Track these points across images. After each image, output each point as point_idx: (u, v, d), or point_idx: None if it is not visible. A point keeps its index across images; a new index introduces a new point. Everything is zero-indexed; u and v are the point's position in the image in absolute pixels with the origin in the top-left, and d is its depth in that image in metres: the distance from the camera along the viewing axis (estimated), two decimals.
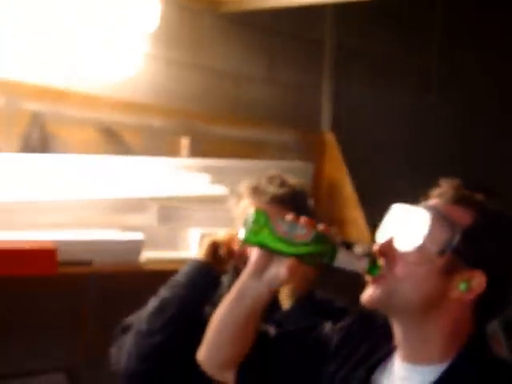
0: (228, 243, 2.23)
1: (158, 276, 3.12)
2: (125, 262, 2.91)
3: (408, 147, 4.77)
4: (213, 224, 3.18)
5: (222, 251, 2.24)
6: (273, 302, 2.17)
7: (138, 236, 2.92)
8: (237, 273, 2.23)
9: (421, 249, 1.52)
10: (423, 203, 1.60)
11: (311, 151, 4.12)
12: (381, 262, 1.56)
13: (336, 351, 1.71)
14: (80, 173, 3.01)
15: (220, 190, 3.24)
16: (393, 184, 4.64)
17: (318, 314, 2.13)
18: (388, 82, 4.64)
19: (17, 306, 3.08)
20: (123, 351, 2.19)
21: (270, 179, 2.24)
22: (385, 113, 4.64)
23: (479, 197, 1.58)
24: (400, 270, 1.54)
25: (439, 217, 1.53)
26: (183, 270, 2.24)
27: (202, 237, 2.33)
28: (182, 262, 3.02)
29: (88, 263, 2.82)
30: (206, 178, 3.34)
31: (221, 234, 2.29)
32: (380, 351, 1.66)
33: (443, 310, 1.55)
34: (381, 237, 1.60)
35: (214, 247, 2.24)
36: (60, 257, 2.69)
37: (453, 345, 1.56)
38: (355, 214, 3.92)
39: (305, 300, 2.21)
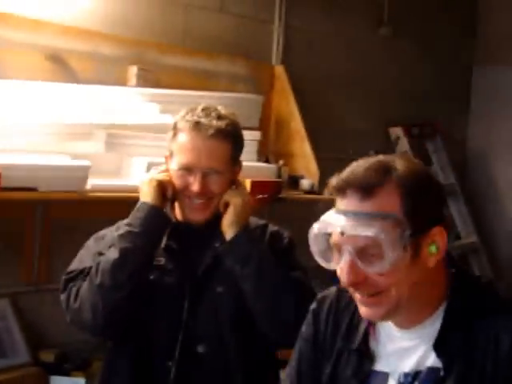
0: (173, 184, 2.21)
1: (102, 204, 3.14)
2: (70, 188, 2.89)
3: (359, 81, 4.78)
4: (159, 153, 3.16)
5: (169, 192, 2.22)
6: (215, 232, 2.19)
7: (84, 163, 2.89)
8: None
9: (394, 259, 1.51)
10: (337, 213, 1.55)
11: (261, 84, 4.11)
12: (357, 293, 1.56)
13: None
14: (27, 98, 2.97)
15: (168, 119, 3.22)
16: (343, 118, 4.67)
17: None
18: (341, 16, 4.63)
19: None
20: (84, 305, 2.15)
21: (206, 111, 2.20)
22: (337, 46, 4.64)
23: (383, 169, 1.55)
24: (386, 282, 1.53)
25: (380, 219, 1.51)
26: (136, 216, 2.18)
27: (146, 177, 2.24)
28: (126, 190, 3.05)
29: (33, 189, 2.79)
30: (154, 107, 3.32)
31: (158, 173, 2.25)
32: (360, 320, 1.68)
33: (429, 279, 1.57)
34: (327, 265, 1.58)
35: (162, 189, 2.23)
36: (4, 182, 2.67)
37: (440, 294, 1.60)
38: (303, 148, 3.93)
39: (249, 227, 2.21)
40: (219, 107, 2.24)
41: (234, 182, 2.23)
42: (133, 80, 3.41)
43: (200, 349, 2.17)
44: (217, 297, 2.18)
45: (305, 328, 1.78)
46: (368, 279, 1.53)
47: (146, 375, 2.18)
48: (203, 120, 2.17)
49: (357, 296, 1.58)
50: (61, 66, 3.21)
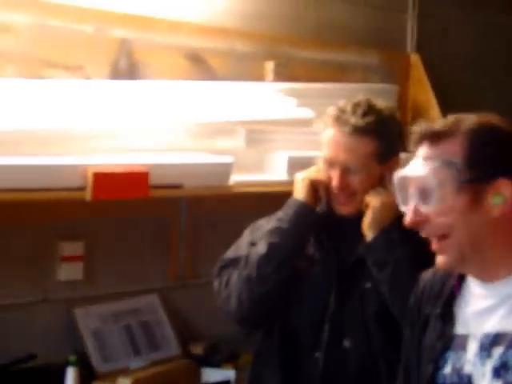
0: (325, 183, 2.23)
1: (245, 200, 3.20)
2: (214, 185, 2.95)
3: (496, 68, 4.68)
4: (299, 147, 3.20)
5: (321, 191, 2.24)
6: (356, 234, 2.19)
7: (227, 159, 2.94)
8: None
9: (444, 199, 1.59)
10: (415, 160, 1.66)
11: (396, 73, 4.08)
12: (423, 234, 1.65)
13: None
14: (168, 98, 3.05)
15: (306, 113, 3.25)
16: (480, 105, 4.57)
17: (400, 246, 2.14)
18: (475, 1, 4.54)
19: (108, 229, 3.18)
20: (232, 294, 2.20)
21: (355, 107, 2.21)
22: (473, 33, 4.55)
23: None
24: (444, 223, 1.60)
25: (437, 163, 1.60)
26: (287, 213, 2.22)
27: (300, 175, 2.27)
28: (268, 184, 3.09)
29: (179, 186, 2.86)
30: (292, 101, 3.34)
31: (312, 171, 2.28)
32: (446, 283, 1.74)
33: (500, 231, 1.61)
34: (403, 208, 1.67)
35: (314, 187, 2.24)
36: (151, 180, 2.75)
37: None
38: None
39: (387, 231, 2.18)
40: (376, 101, 2.23)
41: (382, 180, 2.21)
42: (270, 75, 3.45)
43: (346, 343, 2.18)
44: (365, 292, 2.19)
45: None
46: (430, 221, 1.62)
47: (295, 367, 2.20)
48: (345, 116, 2.18)
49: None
50: (199, 65, 3.28)
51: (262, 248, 2.17)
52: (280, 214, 2.24)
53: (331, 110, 2.23)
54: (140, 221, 3.22)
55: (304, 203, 2.21)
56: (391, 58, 4.08)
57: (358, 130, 2.17)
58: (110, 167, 2.65)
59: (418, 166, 1.63)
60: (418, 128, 1.66)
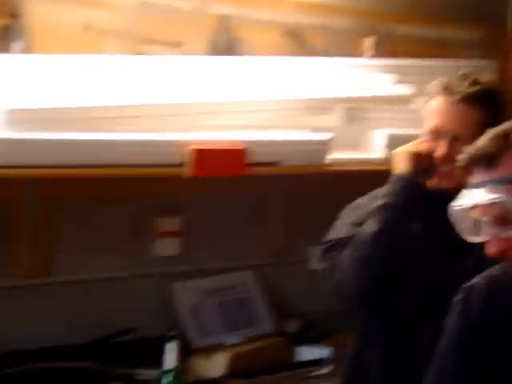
0: (428, 154, 2.20)
1: (342, 178, 3.17)
2: (311, 162, 2.93)
3: None
4: (397, 125, 3.15)
5: (423, 164, 2.21)
6: None
7: (325, 136, 2.92)
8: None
9: None
10: (472, 188, 1.58)
11: (496, 49, 3.99)
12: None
13: None
14: (266, 75, 3.04)
15: (405, 90, 3.20)
16: None
17: None
18: None
19: (205, 205, 3.19)
20: (347, 277, 2.18)
21: (462, 77, 2.20)
22: None
23: None
24: None
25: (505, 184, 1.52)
26: (394, 188, 2.19)
27: (399, 150, 2.24)
28: (367, 163, 3.06)
29: (276, 164, 2.85)
30: (390, 78, 3.30)
31: (413, 144, 2.25)
32: None
33: None
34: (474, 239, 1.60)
35: (417, 160, 2.21)
36: (249, 158, 2.75)
37: None
38: None
39: None
40: (480, 74, 2.20)
41: None
42: (368, 51, 3.41)
43: None
44: (467, 268, 2.15)
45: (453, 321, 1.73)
46: None
47: (400, 343, 2.18)
48: (453, 85, 2.16)
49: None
50: (298, 41, 3.26)
51: (372, 226, 2.15)
52: (386, 189, 2.21)
53: (436, 82, 2.21)
54: (236, 197, 3.22)
55: (410, 177, 2.18)
56: (492, 34, 3.98)
57: (467, 98, 2.15)
58: (209, 144, 2.66)
59: (481, 192, 1.55)
60: (465, 155, 1.59)
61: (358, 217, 2.24)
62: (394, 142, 2.89)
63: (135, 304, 3.02)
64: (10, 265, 2.81)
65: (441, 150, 2.16)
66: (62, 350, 2.83)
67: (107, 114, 2.64)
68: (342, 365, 2.60)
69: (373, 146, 3.10)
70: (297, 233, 3.38)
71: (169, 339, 2.30)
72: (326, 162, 2.96)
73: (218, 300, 3.15)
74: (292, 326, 3.25)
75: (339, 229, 2.28)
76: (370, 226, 2.15)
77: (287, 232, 3.38)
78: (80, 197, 2.90)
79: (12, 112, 2.47)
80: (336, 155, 2.99)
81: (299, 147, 2.89)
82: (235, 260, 3.26)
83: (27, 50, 2.71)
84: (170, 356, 2.30)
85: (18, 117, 2.49)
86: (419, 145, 2.23)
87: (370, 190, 2.35)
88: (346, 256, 2.18)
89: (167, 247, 3.07)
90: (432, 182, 2.21)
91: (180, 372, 2.35)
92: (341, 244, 2.22)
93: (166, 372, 2.31)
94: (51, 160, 2.49)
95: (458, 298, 1.73)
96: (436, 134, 2.18)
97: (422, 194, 2.19)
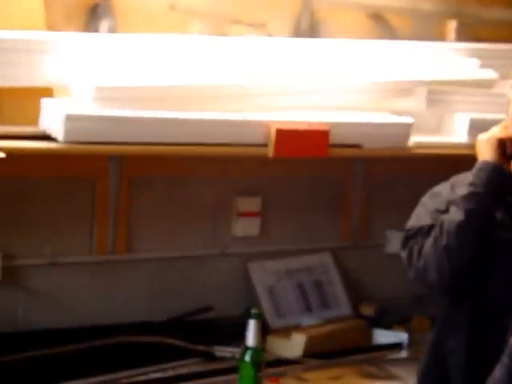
0: None
1: (422, 162, 3.16)
2: (393, 145, 2.92)
3: None
4: (480, 109, 3.12)
5: (509, 149, 2.18)
6: None
7: (407, 120, 2.90)
8: None
9: None
10: None
11: None
12: None
13: None
14: (349, 57, 3.03)
15: (489, 74, 3.15)
16: None
17: None
18: None
19: (285, 187, 3.20)
20: (430, 265, 2.17)
21: None
22: None
23: None
24: None
25: None
26: (480, 176, 2.14)
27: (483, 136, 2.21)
28: (449, 146, 3.03)
29: (358, 146, 2.85)
30: (474, 62, 3.25)
31: (498, 130, 2.22)
32: None
33: None
34: None
35: (502, 146, 2.18)
36: (331, 139, 2.75)
37: None
38: None
39: None
40: None
41: None
42: (452, 34, 3.37)
43: None
44: None
45: None
46: None
47: (483, 331, 2.16)
48: None
49: None
50: (381, 24, 3.24)
51: (458, 215, 2.12)
52: (472, 177, 2.18)
53: None
54: (316, 179, 3.23)
55: (496, 165, 2.14)
56: None
57: None
58: (293, 124, 2.66)
59: None
60: None
61: (441, 204, 2.22)
62: (477, 126, 2.87)
63: (214, 283, 3.06)
64: (93, 241, 2.86)
65: None
66: (140, 326, 2.87)
67: (191, 92, 2.66)
68: (419, 349, 2.60)
69: (455, 130, 3.07)
70: (375, 217, 3.37)
71: (251, 317, 2.31)
72: (408, 145, 2.94)
73: (296, 281, 3.16)
74: (368, 310, 3.25)
75: (421, 216, 2.26)
76: (455, 216, 2.13)
77: (365, 215, 3.37)
78: (162, 175, 2.93)
79: (99, 90, 2.51)
80: (418, 138, 2.97)
81: (382, 130, 2.88)
82: (313, 242, 3.27)
83: (114, 29, 2.74)
84: (252, 333, 2.31)
85: (104, 94, 2.53)
86: (504, 131, 2.20)
87: (451, 175, 2.33)
88: (428, 245, 2.16)
89: (247, 227, 3.09)
90: None
91: (261, 350, 2.37)
92: (423, 232, 2.20)
93: (248, 349, 2.32)
94: (135, 137, 2.53)
95: None
96: None
97: (508, 183, 2.16)
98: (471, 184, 2.15)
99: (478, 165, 2.17)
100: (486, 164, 2.15)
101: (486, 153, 2.18)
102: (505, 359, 1.66)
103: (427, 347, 2.34)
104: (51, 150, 2.45)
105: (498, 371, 1.74)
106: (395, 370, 2.81)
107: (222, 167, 2.97)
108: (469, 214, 2.11)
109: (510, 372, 1.69)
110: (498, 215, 2.17)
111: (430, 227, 2.18)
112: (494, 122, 2.29)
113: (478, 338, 2.18)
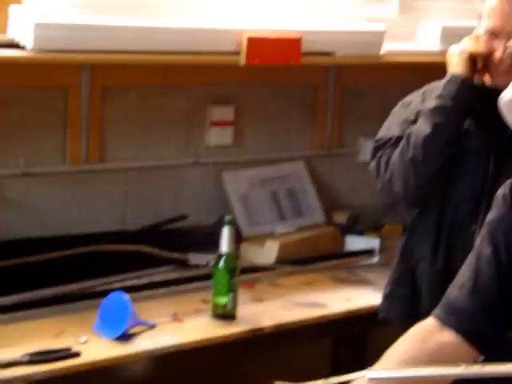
0: (486, 55, 2.16)
1: (395, 70, 3.15)
2: (365, 53, 2.91)
3: None
4: (454, 16, 3.11)
5: (479, 63, 2.17)
6: None
7: (379, 27, 2.89)
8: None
9: None
10: None
11: None
12: None
13: None
14: None
15: None
16: None
17: None
18: None
19: (258, 95, 3.19)
20: (395, 176, 2.17)
21: None
22: None
23: None
24: None
25: None
26: (449, 89, 2.15)
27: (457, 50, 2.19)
28: (421, 54, 3.03)
29: (330, 54, 2.84)
30: None
31: (468, 43, 2.21)
32: None
33: None
34: None
35: (472, 60, 2.18)
36: (303, 47, 2.74)
37: None
38: None
39: None
40: None
41: None
42: None
43: None
44: None
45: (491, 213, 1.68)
46: None
47: (450, 239, 2.20)
48: None
49: None
50: None
51: (425, 128, 2.13)
52: (440, 90, 2.18)
53: None
54: (288, 87, 3.21)
55: (466, 79, 2.14)
56: None
57: None
58: (265, 32, 2.65)
59: None
60: None
61: (410, 114, 2.23)
62: (450, 33, 2.88)
63: (187, 192, 3.07)
64: (65, 151, 2.85)
65: (499, 50, 2.11)
66: (114, 235, 2.88)
67: (166, 0, 2.64)
68: (391, 255, 2.64)
69: (427, 38, 3.07)
70: (347, 124, 3.38)
71: (225, 224, 2.33)
72: (381, 53, 2.93)
73: (269, 189, 3.18)
74: (341, 217, 3.28)
75: (391, 126, 2.27)
76: (423, 128, 2.14)
77: (339, 124, 3.37)
78: (135, 84, 2.91)
79: None
80: (390, 46, 2.97)
81: (354, 37, 2.87)
82: (287, 150, 3.27)
83: None
84: (226, 240, 2.34)
85: (76, 2, 2.50)
86: (476, 44, 2.19)
87: (424, 83, 2.34)
88: (395, 156, 2.18)
89: (220, 136, 3.09)
90: (488, 81, 2.18)
91: (235, 256, 2.40)
92: (391, 143, 2.22)
93: (222, 255, 2.35)
94: (106, 45, 2.51)
95: (499, 192, 1.72)
96: (493, 34, 2.13)
97: (476, 96, 2.16)
98: (439, 96, 2.16)
99: (447, 77, 2.18)
100: (456, 77, 2.16)
101: (456, 66, 2.18)
102: (470, 261, 1.68)
103: (397, 255, 2.38)
104: (20, 59, 2.42)
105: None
106: (367, 275, 2.85)
107: (195, 76, 2.95)
108: (436, 127, 2.12)
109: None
110: (466, 125, 2.19)
111: (399, 138, 2.20)
112: (467, 30, 2.28)
113: (444, 246, 2.21)
